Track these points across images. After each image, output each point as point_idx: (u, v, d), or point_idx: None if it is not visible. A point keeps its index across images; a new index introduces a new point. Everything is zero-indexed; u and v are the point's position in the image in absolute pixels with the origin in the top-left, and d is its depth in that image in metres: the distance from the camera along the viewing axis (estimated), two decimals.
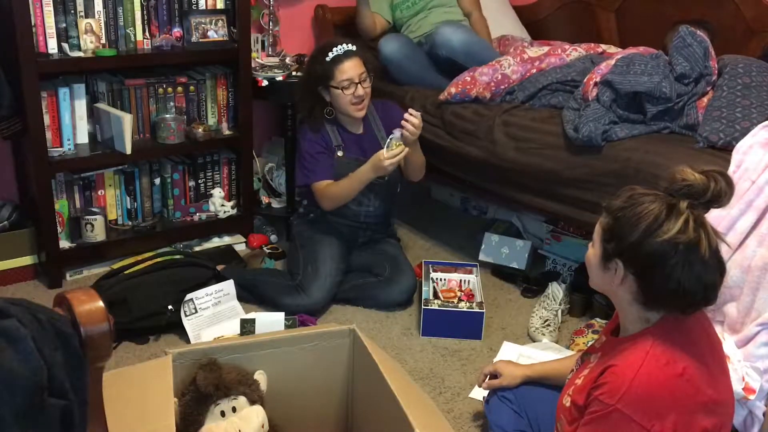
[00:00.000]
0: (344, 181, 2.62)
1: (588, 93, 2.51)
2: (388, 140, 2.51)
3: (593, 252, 1.48)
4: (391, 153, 2.48)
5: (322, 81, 2.62)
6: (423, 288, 2.65)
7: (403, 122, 2.53)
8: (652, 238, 1.34)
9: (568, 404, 1.52)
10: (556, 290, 2.64)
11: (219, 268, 2.70)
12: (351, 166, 2.65)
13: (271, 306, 2.61)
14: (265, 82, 2.99)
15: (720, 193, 1.35)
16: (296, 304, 2.57)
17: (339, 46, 2.60)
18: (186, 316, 2.44)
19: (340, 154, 2.68)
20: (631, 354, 1.39)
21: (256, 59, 3.15)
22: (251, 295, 2.68)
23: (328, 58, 2.59)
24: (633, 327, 1.46)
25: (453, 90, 2.82)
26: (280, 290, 2.63)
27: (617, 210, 1.41)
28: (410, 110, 2.56)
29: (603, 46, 2.95)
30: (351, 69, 2.59)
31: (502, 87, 2.77)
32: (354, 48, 2.62)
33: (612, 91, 2.44)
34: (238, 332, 2.35)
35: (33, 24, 2.48)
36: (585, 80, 2.58)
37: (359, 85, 2.59)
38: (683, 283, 1.33)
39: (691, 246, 1.32)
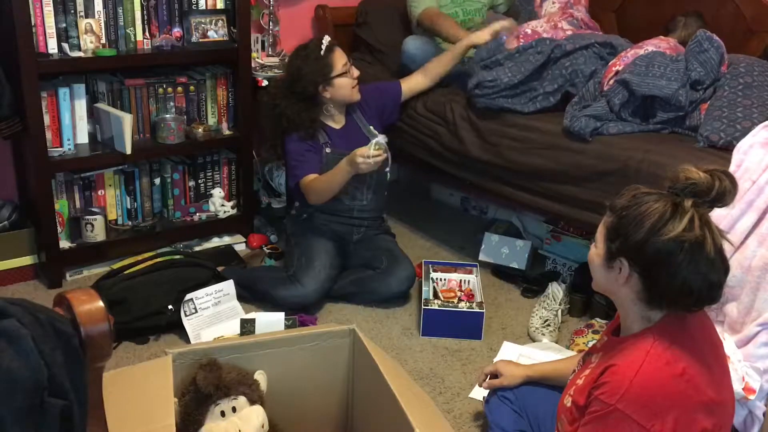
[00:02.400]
0: (325, 174, 2.62)
1: (605, 84, 2.50)
2: (372, 142, 2.47)
3: (596, 252, 1.48)
4: (367, 153, 2.44)
5: (322, 76, 2.64)
6: (423, 288, 2.65)
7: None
8: (657, 237, 1.34)
9: (569, 404, 1.52)
10: (556, 290, 2.64)
11: (219, 269, 2.70)
12: (339, 160, 2.63)
13: (267, 299, 2.61)
14: (265, 82, 2.99)
15: (724, 191, 1.35)
16: (290, 294, 2.57)
17: (323, 39, 2.67)
18: (186, 316, 2.44)
19: (328, 150, 2.69)
20: (632, 353, 1.39)
21: (256, 59, 3.15)
22: (249, 292, 2.68)
23: (322, 52, 2.63)
24: (634, 326, 1.46)
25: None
26: (275, 283, 2.63)
27: (622, 209, 1.41)
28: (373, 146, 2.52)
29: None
30: (342, 55, 2.69)
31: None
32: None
33: (626, 93, 2.42)
34: (238, 332, 2.35)
35: (33, 24, 2.48)
36: (609, 64, 2.55)
37: (353, 66, 2.70)
38: (689, 281, 1.34)
39: (696, 244, 1.32)
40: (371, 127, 2.80)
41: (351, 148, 2.62)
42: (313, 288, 2.60)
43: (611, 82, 2.48)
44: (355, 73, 2.71)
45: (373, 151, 2.44)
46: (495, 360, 2.39)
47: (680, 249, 1.32)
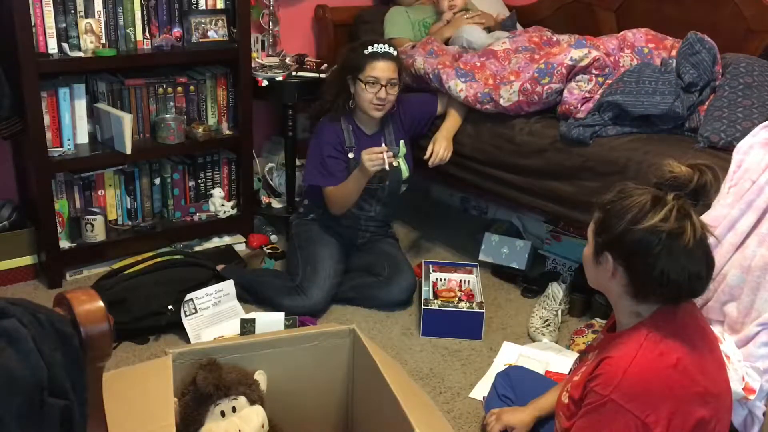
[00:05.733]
0: (342, 184, 2.63)
1: (573, 114, 2.49)
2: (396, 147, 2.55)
3: (587, 248, 1.52)
4: (373, 154, 2.47)
5: (351, 70, 2.62)
6: (423, 288, 2.65)
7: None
8: (635, 227, 1.37)
9: (566, 401, 1.53)
10: (556, 290, 2.64)
11: (219, 268, 2.70)
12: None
13: (271, 307, 2.61)
14: (265, 82, 2.99)
15: (705, 184, 1.39)
16: (296, 305, 2.57)
17: (380, 45, 2.61)
18: (186, 316, 2.44)
19: (351, 156, 2.68)
20: (626, 346, 1.41)
21: (256, 59, 3.15)
22: (250, 295, 2.68)
23: (366, 51, 2.59)
24: (627, 321, 1.48)
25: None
26: (280, 291, 2.63)
27: (607, 203, 1.45)
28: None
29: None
30: (382, 70, 2.59)
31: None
32: (394, 52, 2.63)
33: (617, 110, 2.41)
34: (238, 332, 2.35)
35: (33, 24, 2.48)
36: (565, 98, 2.52)
37: (384, 88, 2.59)
38: (667, 272, 1.36)
39: (673, 235, 1.35)
40: (402, 142, 2.73)
41: None
42: (318, 299, 2.61)
43: (579, 107, 2.48)
44: (382, 94, 2.59)
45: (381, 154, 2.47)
46: (494, 360, 2.39)
47: (657, 239, 1.35)
